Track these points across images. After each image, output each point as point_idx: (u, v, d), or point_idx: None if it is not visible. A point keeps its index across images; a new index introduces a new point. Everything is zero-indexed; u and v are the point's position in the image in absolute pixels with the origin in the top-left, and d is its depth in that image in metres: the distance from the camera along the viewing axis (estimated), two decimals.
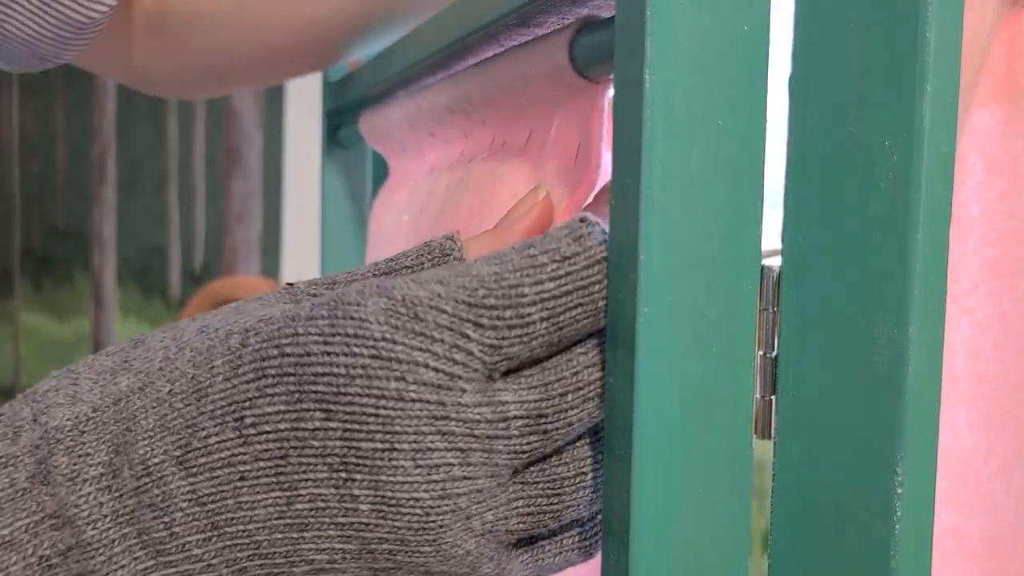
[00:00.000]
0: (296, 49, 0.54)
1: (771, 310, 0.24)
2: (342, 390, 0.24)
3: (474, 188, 0.39)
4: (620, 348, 0.24)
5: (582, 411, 0.25)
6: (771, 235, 0.24)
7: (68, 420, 0.25)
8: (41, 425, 0.25)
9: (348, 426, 0.24)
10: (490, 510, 0.25)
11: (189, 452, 0.25)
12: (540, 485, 0.25)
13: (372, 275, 0.29)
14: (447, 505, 0.24)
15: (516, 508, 0.25)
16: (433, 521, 0.24)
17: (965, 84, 0.24)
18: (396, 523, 0.24)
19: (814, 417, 0.23)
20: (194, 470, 0.24)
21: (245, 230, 1.58)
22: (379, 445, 0.24)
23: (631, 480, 0.23)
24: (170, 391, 0.25)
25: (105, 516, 0.24)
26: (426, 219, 0.45)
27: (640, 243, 0.22)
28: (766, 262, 0.24)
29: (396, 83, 0.51)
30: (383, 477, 0.24)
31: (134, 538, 0.24)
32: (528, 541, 0.27)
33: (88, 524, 0.24)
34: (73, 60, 0.48)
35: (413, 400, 0.24)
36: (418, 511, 0.24)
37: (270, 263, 1.60)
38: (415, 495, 0.24)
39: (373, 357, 0.24)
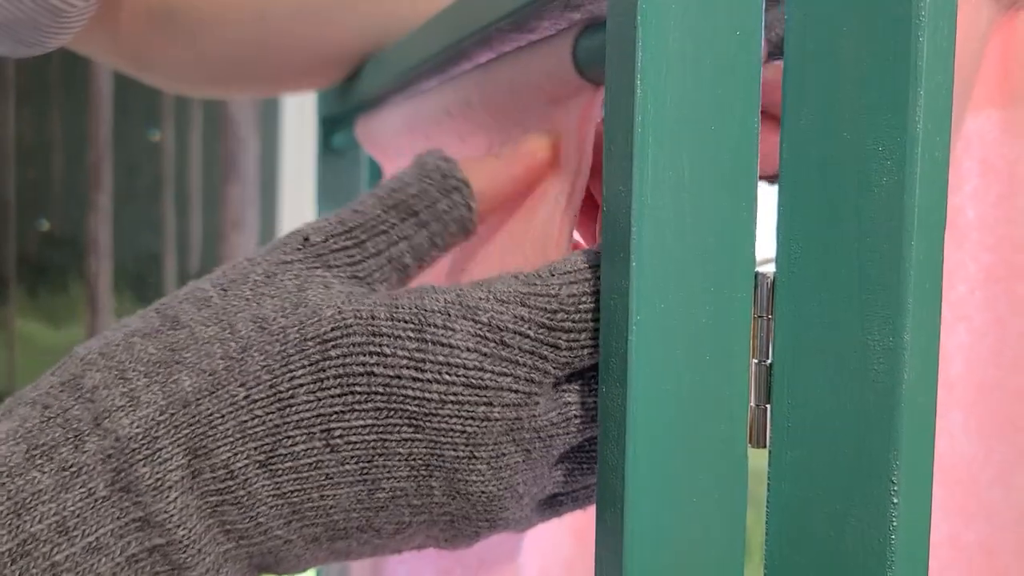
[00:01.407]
0: (308, 67, 0.52)
1: (765, 317, 0.24)
2: (433, 411, 0.25)
3: None
4: (613, 356, 0.23)
5: None
6: (765, 242, 0.24)
7: (138, 428, 0.24)
8: (107, 432, 0.24)
9: (435, 438, 0.26)
10: (538, 487, 0.28)
11: (274, 457, 0.25)
12: (578, 459, 0.28)
13: (381, 210, 0.29)
14: (510, 492, 0.27)
15: (556, 479, 0.28)
16: (496, 504, 0.27)
17: (959, 88, 0.24)
18: (463, 504, 0.27)
19: (809, 425, 0.23)
20: (279, 472, 0.25)
21: (241, 237, 1.57)
22: (462, 453, 0.26)
23: (624, 489, 0.23)
24: (247, 397, 0.25)
25: (191, 515, 0.25)
26: None
27: (632, 250, 0.22)
28: (760, 269, 0.24)
29: (391, 88, 0.51)
30: (459, 475, 0.26)
31: (217, 528, 0.25)
32: (549, 499, 0.30)
33: (178, 527, 0.25)
34: (70, 46, 0.47)
35: (496, 419, 0.25)
36: (485, 499, 0.26)
37: None
38: (485, 488, 0.26)
39: (465, 386, 0.25)
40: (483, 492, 0.26)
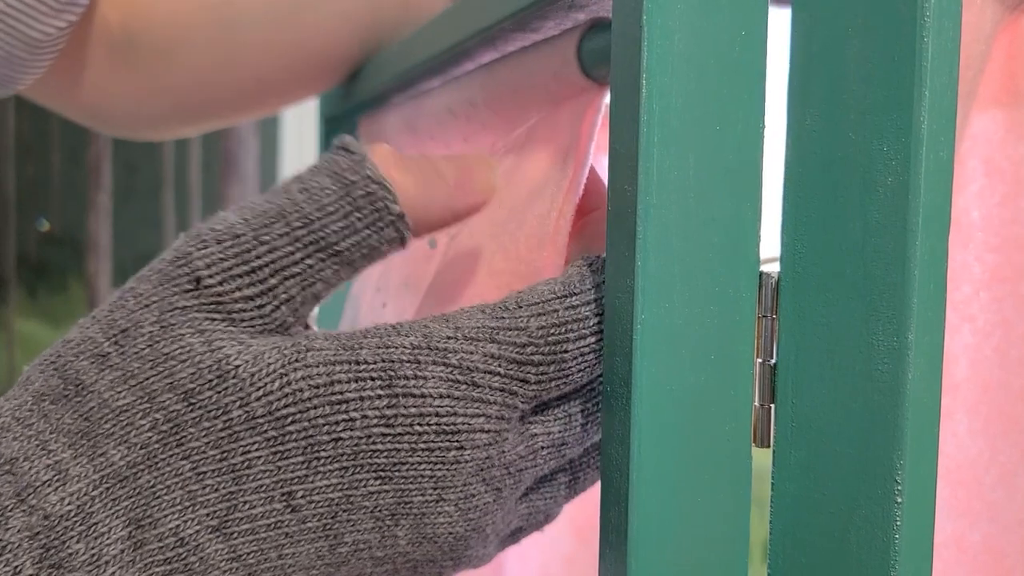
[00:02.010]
0: (287, 78, 0.48)
1: (770, 317, 0.24)
2: (402, 460, 0.24)
3: None
4: (617, 355, 0.23)
5: (597, 434, 0.27)
6: (769, 241, 0.24)
7: (70, 505, 0.22)
8: (35, 509, 0.22)
9: (402, 487, 0.25)
10: (506, 523, 0.27)
11: (228, 521, 0.24)
12: (543, 492, 0.28)
13: (294, 248, 0.25)
14: (479, 532, 0.26)
15: (520, 512, 0.28)
16: (462, 543, 0.26)
17: (964, 88, 0.24)
18: (429, 547, 0.26)
19: (813, 425, 0.23)
20: (234, 535, 0.24)
21: None
22: (430, 498, 0.25)
23: (628, 489, 0.23)
24: (193, 469, 0.23)
25: None
26: None
27: (637, 249, 0.22)
28: (764, 269, 0.24)
29: (393, 88, 0.51)
30: (427, 520, 0.25)
31: None
32: (511, 535, 0.29)
33: None
34: (26, 92, 0.43)
35: (467, 461, 0.25)
36: (452, 539, 0.26)
37: None
38: (453, 530, 0.25)
39: (437, 433, 0.24)
40: (451, 533, 0.25)
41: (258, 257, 0.25)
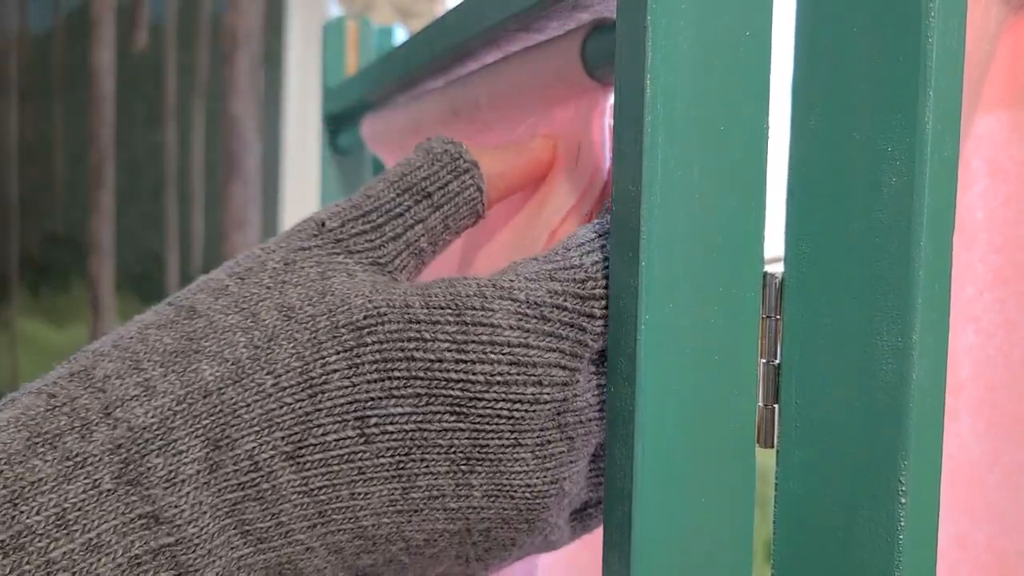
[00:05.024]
0: None
1: (773, 317, 0.24)
2: (478, 395, 0.24)
3: None
4: (621, 355, 0.23)
5: None
6: (774, 241, 0.24)
7: (153, 418, 0.23)
8: (119, 421, 0.23)
9: (478, 426, 0.25)
10: (578, 486, 0.26)
11: (303, 448, 0.24)
12: (604, 460, 0.27)
13: (395, 193, 0.28)
14: (554, 488, 0.25)
15: (591, 480, 0.27)
16: (539, 503, 0.25)
17: (969, 89, 0.24)
18: (504, 505, 0.25)
19: (817, 426, 0.23)
20: (307, 465, 0.24)
21: (244, 237, 1.57)
22: (506, 441, 0.25)
23: (632, 488, 0.23)
24: (275, 384, 0.24)
25: (205, 513, 0.23)
26: None
27: (641, 249, 0.22)
28: (768, 269, 0.24)
29: (395, 88, 0.51)
30: (503, 468, 0.25)
31: (233, 529, 0.24)
32: (580, 510, 0.29)
33: (189, 523, 0.23)
34: None
35: (545, 402, 0.25)
36: (528, 495, 0.25)
37: None
38: (530, 482, 0.25)
39: (512, 364, 0.24)
40: (527, 486, 0.25)
41: (367, 203, 0.28)
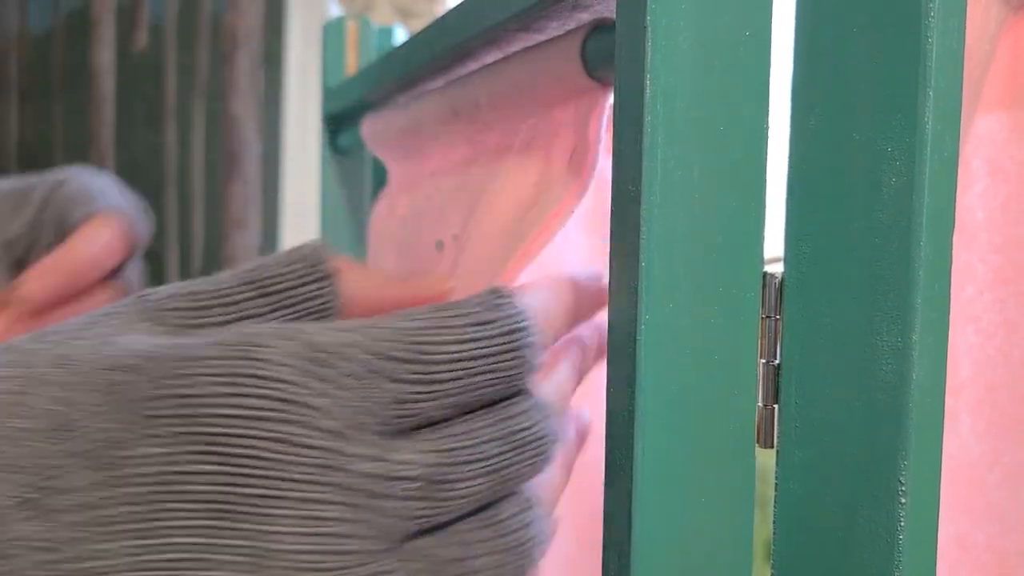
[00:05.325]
0: None
1: (773, 317, 0.24)
2: (241, 432, 0.22)
3: (471, 191, 0.39)
4: (620, 355, 0.23)
5: (478, 484, 0.24)
6: (774, 241, 0.24)
7: None
8: None
9: (239, 471, 0.22)
10: (372, 574, 0.23)
11: (44, 492, 0.21)
12: (423, 561, 0.24)
13: (239, 284, 0.27)
14: (328, 562, 0.22)
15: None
16: None
17: (968, 89, 0.24)
18: None
19: (817, 426, 0.23)
20: (51, 514, 0.21)
21: (243, 237, 1.57)
22: (268, 491, 0.22)
23: (632, 489, 0.23)
24: (25, 427, 0.21)
25: None
26: (422, 222, 0.45)
27: (641, 249, 0.22)
28: (768, 269, 0.24)
29: (395, 88, 0.51)
30: (265, 527, 0.22)
31: None
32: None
33: None
34: None
35: (311, 447, 0.22)
36: (297, 567, 0.22)
37: None
38: (296, 547, 0.22)
39: (279, 400, 0.22)
40: (294, 553, 0.22)
41: (203, 285, 0.27)
